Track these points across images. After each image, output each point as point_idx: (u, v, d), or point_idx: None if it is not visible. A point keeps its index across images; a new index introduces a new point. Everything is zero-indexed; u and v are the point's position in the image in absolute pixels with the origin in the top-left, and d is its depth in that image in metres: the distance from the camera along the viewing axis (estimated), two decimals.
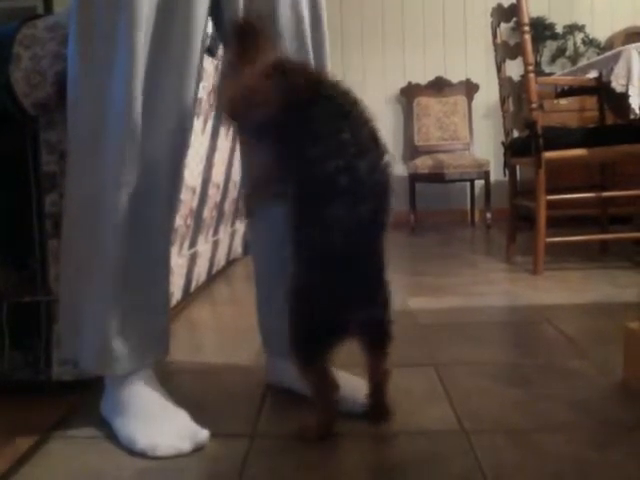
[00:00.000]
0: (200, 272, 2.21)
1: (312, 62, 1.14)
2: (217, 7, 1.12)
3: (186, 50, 1.04)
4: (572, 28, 4.54)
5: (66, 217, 1.09)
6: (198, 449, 1.00)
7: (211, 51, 1.20)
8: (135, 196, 1.03)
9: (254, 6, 1.09)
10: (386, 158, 1.03)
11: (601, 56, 2.78)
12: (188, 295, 2.09)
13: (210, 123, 1.94)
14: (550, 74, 4.18)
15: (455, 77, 4.66)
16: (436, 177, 4.20)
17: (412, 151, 4.60)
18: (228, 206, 2.54)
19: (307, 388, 1.05)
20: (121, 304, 1.05)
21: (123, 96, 0.99)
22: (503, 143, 2.90)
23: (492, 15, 2.82)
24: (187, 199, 1.84)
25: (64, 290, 1.10)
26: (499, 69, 2.86)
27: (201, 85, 1.72)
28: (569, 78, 2.91)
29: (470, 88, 4.63)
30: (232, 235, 2.82)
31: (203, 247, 2.22)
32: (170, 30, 1.02)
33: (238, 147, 1.30)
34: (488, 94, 4.58)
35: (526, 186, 3.08)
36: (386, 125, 4.86)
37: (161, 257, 1.13)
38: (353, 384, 1.19)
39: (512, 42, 2.64)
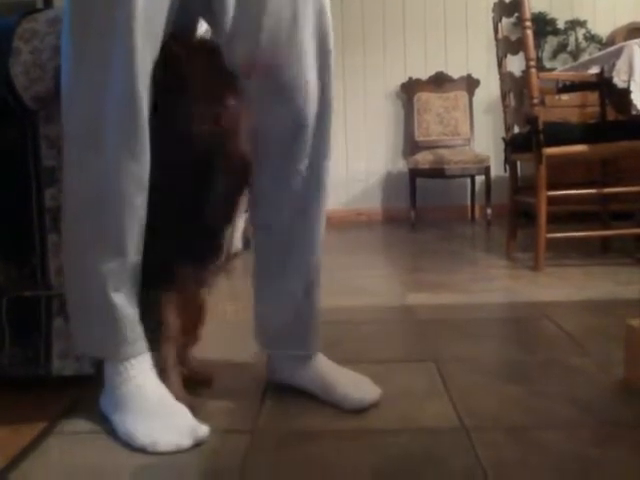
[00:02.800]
0: None
1: (312, 74, 1.10)
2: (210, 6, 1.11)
3: None
4: (574, 23, 4.53)
5: (67, 212, 1.08)
6: (198, 445, 1.00)
7: None
8: (145, 187, 1.03)
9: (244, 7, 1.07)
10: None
11: (603, 52, 2.77)
12: None
13: None
14: (551, 69, 4.17)
15: (456, 72, 4.65)
16: (436, 172, 4.20)
17: (412, 146, 4.59)
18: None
19: None
20: (134, 293, 1.08)
21: (124, 88, 0.98)
22: (504, 139, 2.90)
23: (493, 10, 2.81)
24: None
25: (70, 289, 1.11)
26: (500, 64, 2.85)
27: None
28: (570, 74, 2.91)
29: (471, 83, 4.62)
30: (232, 230, 2.82)
31: None
32: (164, 23, 1.02)
33: None
34: (489, 89, 4.58)
35: (527, 182, 3.07)
36: (386, 120, 4.86)
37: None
38: (350, 380, 1.19)
39: (513, 37, 2.63)
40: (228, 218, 1.20)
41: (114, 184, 1.02)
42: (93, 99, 1.01)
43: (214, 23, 1.13)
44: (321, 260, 1.21)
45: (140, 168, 1.02)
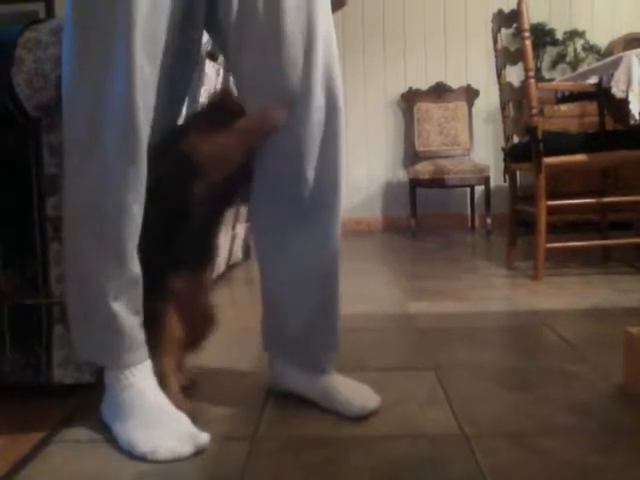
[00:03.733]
0: None
1: (318, 74, 1.10)
2: (212, 11, 1.12)
3: (183, 49, 1.05)
4: (572, 34, 4.56)
5: (68, 219, 1.09)
6: (198, 452, 1.00)
7: (213, 55, 1.21)
8: (142, 194, 1.04)
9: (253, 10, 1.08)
10: None
11: (601, 62, 2.79)
12: None
13: None
14: (550, 80, 4.19)
15: (456, 83, 4.68)
16: (437, 182, 4.22)
17: (413, 156, 4.61)
18: (228, 210, 2.53)
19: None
20: (135, 301, 1.09)
21: (122, 94, 0.99)
22: (503, 148, 2.91)
23: (493, 21, 2.83)
24: None
25: (71, 295, 1.11)
26: (499, 75, 2.86)
27: (202, 89, 1.72)
28: (569, 84, 2.92)
29: (470, 94, 4.64)
30: (232, 239, 2.82)
31: None
32: (162, 29, 1.03)
33: None
34: (488, 100, 4.60)
35: (526, 191, 3.08)
36: (387, 130, 4.87)
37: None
38: (351, 387, 1.19)
39: (512, 48, 2.65)
40: (215, 220, 1.21)
41: (112, 190, 1.02)
42: (93, 105, 1.01)
43: (217, 33, 1.14)
44: (340, 266, 1.19)
45: (137, 174, 1.02)
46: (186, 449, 1.00)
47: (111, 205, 1.02)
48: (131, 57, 0.98)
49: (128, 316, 1.08)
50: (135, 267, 1.07)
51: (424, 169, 4.23)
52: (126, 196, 1.02)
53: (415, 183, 4.32)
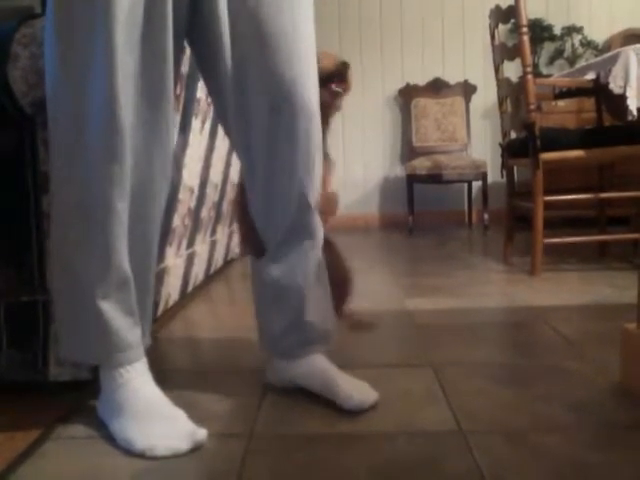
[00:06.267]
0: (198, 272, 2.21)
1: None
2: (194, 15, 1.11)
3: (164, 46, 1.04)
4: (570, 30, 4.56)
5: (55, 217, 1.08)
6: (196, 449, 1.00)
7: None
8: (126, 192, 1.04)
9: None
10: None
11: (599, 58, 2.78)
12: (185, 295, 2.09)
13: (208, 123, 1.94)
14: (548, 75, 4.19)
15: (453, 78, 4.67)
16: (434, 178, 4.21)
17: (410, 152, 4.60)
18: (226, 206, 2.54)
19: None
20: (127, 300, 1.08)
21: (105, 92, 0.98)
22: (501, 144, 2.91)
23: (490, 16, 2.83)
24: (185, 199, 1.83)
25: (59, 293, 1.11)
26: (497, 70, 2.86)
27: (199, 84, 1.72)
28: (567, 79, 2.92)
29: (468, 89, 4.64)
30: (230, 235, 2.82)
31: (201, 247, 2.22)
32: (148, 26, 1.02)
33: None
34: (486, 95, 4.60)
35: (524, 187, 3.08)
36: (384, 126, 4.87)
37: (153, 250, 1.15)
38: (350, 383, 1.19)
39: (510, 43, 2.64)
40: None
41: (96, 188, 1.01)
42: (76, 104, 1.00)
43: (198, 39, 1.14)
44: (323, 260, 1.23)
45: (120, 170, 1.01)
46: (184, 446, 1.00)
47: (96, 203, 1.01)
48: (112, 55, 0.97)
49: (117, 317, 1.07)
50: (124, 267, 1.06)
51: (421, 165, 4.23)
52: (111, 194, 1.01)
53: (412, 179, 4.31)
